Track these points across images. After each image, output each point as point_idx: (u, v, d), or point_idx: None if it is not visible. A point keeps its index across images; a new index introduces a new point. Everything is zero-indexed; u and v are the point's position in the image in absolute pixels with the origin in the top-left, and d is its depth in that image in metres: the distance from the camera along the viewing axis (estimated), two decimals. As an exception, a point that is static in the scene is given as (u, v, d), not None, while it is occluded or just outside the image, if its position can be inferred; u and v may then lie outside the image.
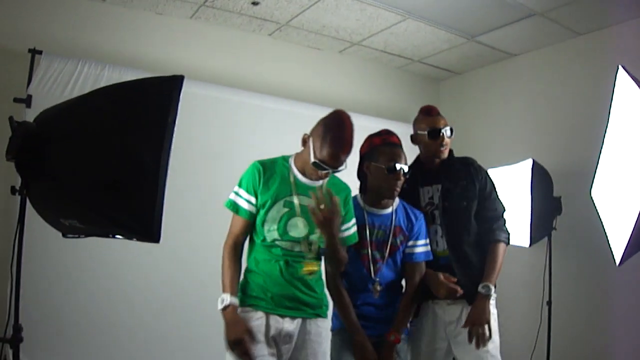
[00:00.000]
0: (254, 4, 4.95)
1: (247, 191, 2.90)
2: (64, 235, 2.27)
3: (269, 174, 2.94)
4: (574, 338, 5.06)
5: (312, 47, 5.94)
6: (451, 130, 3.38)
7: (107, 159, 1.83)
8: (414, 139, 3.48)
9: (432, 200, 3.39)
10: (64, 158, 1.96)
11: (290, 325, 2.92)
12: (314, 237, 2.95)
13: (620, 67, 2.99)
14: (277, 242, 2.91)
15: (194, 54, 5.18)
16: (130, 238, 2.03)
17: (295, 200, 2.94)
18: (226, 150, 4.89)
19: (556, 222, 4.93)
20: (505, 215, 3.41)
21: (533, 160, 4.84)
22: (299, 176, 2.97)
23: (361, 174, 3.31)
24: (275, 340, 2.89)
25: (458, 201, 3.33)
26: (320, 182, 2.97)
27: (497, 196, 3.44)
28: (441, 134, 3.33)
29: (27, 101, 4.17)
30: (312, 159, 2.82)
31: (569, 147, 5.24)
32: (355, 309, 3.19)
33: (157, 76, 2.00)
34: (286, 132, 5.28)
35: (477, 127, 6.26)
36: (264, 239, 2.93)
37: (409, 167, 3.22)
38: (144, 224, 1.83)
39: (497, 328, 3.23)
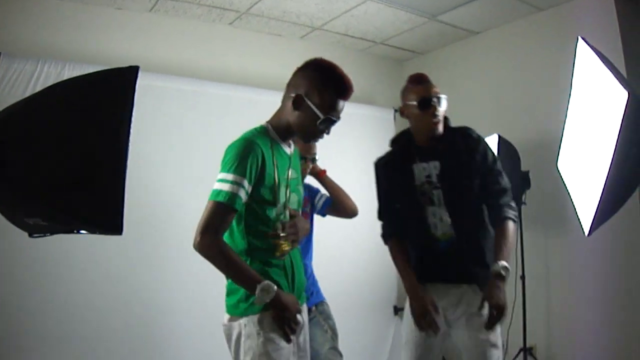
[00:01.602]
0: (212, -7, 4.91)
1: (249, 179, 2.52)
2: (30, 235, 2.24)
3: (266, 152, 2.60)
4: (549, 311, 5.12)
5: (274, 34, 5.93)
6: (444, 99, 3.10)
7: (65, 155, 1.81)
8: (403, 111, 3.21)
9: (429, 179, 3.12)
10: (21, 158, 1.92)
11: (304, 314, 2.81)
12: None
13: (579, 38, 3.00)
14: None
15: (156, 47, 5.13)
16: (93, 232, 2.01)
17: (292, 174, 2.77)
18: (192, 141, 4.86)
19: (525, 197, 4.97)
20: (510, 189, 3.19)
21: (499, 136, 4.87)
22: (283, 147, 2.76)
23: None
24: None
25: (460, 180, 3.08)
26: (290, 149, 2.79)
27: (500, 169, 3.18)
28: (432, 104, 3.05)
29: (-11, 104, 4.11)
30: (322, 116, 2.58)
31: (534, 121, 5.28)
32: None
33: (111, 68, 1.97)
34: (251, 120, 5.28)
35: (443, 106, 6.28)
36: (267, 224, 2.64)
37: (395, 142, 3.31)
38: (106, 217, 1.81)
39: None
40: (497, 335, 3.00)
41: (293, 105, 2.63)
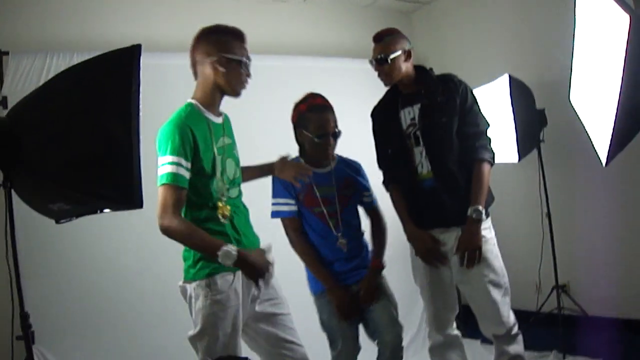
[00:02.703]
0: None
1: (184, 157, 2.65)
2: (57, 222, 2.30)
3: (195, 127, 2.73)
4: (578, 247, 5.12)
5: (278, 0, 5.90)
6: (385, 59, 3.24)
7: (80, 138, 1.86)
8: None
9: (413, 121, 3.30)
10: (39, 145, 1.98)
11: None
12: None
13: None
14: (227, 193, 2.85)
15: (160, 26, 5.13)
16: (115, 209, 2.06)
17: (226, 140, 2.93)
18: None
19: (543, 134, 4.95)
20: (488, 132, 3.33)
21: (510, 76, 4.84)
22: (212, 117, 2.90)
23: (297, 140, 3.45)
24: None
25: (437, 117, 3.24)
26: (221, 118, 2.96)
27: (480, 111, 3.34)
28: (374, 64, 3.32)
29: (3, 103, 4.17)
30: (240, 58, 2.84)
31: (545, 59, 5.22)
32: (331, 266, 3.32)
33: (114, 49, 2.01)
34: (260, 86, 5.29)
35: (453, 52, 6.26)
36: (212, 197, 2.79)
37: (386, 93, 3.47)
38: (125, 193, 1.86)
39: (497, 253, 3.26)
40: (498, 274, 3.21)
41: (218, 65, 2.79)
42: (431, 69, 3.45)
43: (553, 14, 5.05)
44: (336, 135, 3.34)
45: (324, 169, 3.40)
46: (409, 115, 3.32)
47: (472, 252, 3.11)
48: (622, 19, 2.39)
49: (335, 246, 3.32)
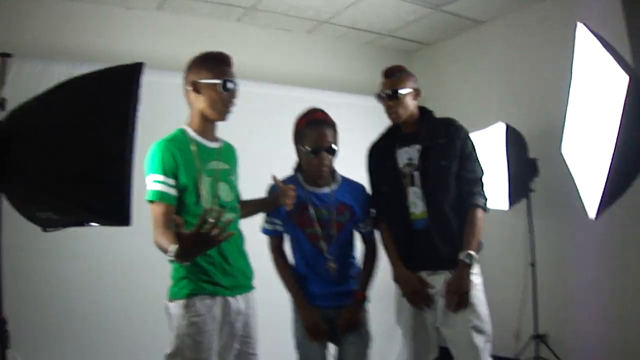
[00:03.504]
0: (219, -11, 4.95)
1: (167, 174, 2.76)
2: (43, 230, 2.29)
3: (179, 148, 2.83)
4: (561, 298, 5.13)
5: (281, 29, 5.96)
6: (396, 94, 3.27)
7: (74, 149, 1.86)
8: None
9: (411, 161, 3.27)
10: (33, 152, 1.98)
11: (242, 303, 2.94)
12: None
13: (579, 23, 3.03)
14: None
15: (164, 45, 5.17)
16: (104, 224, 2.06)
17: (221, 165, 2.97)
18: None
19: (534, 184, 4.99)
20: (484, 179, 3.32)
21: (506, 124, 4.89)
22: (205, 142, 2.96)
23: (298, 157, 3.41)
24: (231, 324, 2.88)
25: (437, 160, 3.22)
26: (217, 144, 3.02)
27: (477, 158, 3.34)
28: (384, 99, 3.32)
29: (2, 105, 4.15)
30: (220, 81, 2.87)
31: (540, 109, 5.28)
32: (315, 286, 3.31)
33: (117, 65, 2.02)
34: (261, 114, 5.33)
35: (451, 95, 6.31)
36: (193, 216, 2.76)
37: (385, 131, 3.48)
38: (115, 209, 1.86)
39: (483, 299, 3.19)
40: (482, 320, 3.12)
41: (194, 91, 2.89)
42: (431, 112, 3.44)
43: (553, 67, 5.11)
44: (332, 151, 3.26)
45: (323, 189, 3.35)
46: (406, 154, 3.31)
47: (460, 296, 3.08)
48: (622, 79, 2.43)
49: (323, 268, 3.28)
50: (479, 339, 3.08)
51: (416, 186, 3.25)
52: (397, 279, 3.31)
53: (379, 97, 3.35)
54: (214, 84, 2.86)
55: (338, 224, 3.33)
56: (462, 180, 3.25)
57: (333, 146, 3.26)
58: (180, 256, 2.50)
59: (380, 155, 3.43)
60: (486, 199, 3.28)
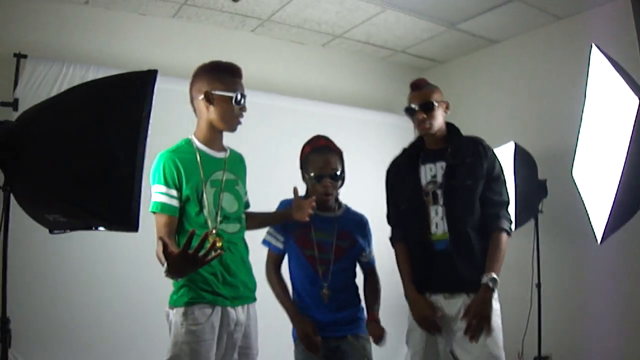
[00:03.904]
0: (235, 0, 4.96)
1: (170, 185, 2.80)
2: (51, 232, 2.31)
3: (182, 159, 2.85)
4: (565, 320, 5.10)
5: (295, 42, 5.98)
6: (428, 104, 3.21)
7: (84, 154, 1.87)
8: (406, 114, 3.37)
9: (434, 179, 3.18)
10: (44, 154, 1.99)
11: (242, 314, 2.93)
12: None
13: (593, 45, 3.03)
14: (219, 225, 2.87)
15: (178, 53, 5.18)
16: (110, 229, 2.07)
17: (226, 176, 2.97)
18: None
19: (542, 205, 4.97)
20: (508, 203, 3.24)
21: (515, 144, 4.88)
22: (210, 152, 2.97)
23: (304, 182, 3.42)
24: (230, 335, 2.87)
25: (463, 179, 3.12)
26: (223, 153, 3.02)
27: (505, 181, 3.27)
28: (416, 111, 3.21)
29: (14, 105, 4.21)
30: (232, 94, 2.88)
31: (551, 130, 5.28)
32: (310, 312, 3.29)
33: (131, 71, 2.03)
34: (273, 126, 5.35)
35: (462, 114, 6.24)
36: (202, 226, 2.82)
37: (409, 146, 3.42)
38: (122, 214, 1.87)
39: (500, 325, 3.08)
40: (499, 347, 3.01)
41: (206, 102, 2.89)
42: (458, 129, 3.39)
43: (565, 88, 5.11)
44: (335, 177, 3.29)
45: (326, 214, 3.37)
46: (430, 172, 3.22)
47: (480, 320, 2.95)
48: (631, 101, 2.42)
49: (319, 294, 3.27)
50: None
51: (438, 205, 3.14)
52: (409, 302, 3.23)
53: (409, 110, 3.26)
54: (228, 97, 2.87)
55: (338, 249, 3.33)
56: (487, 203, 3.16)
57: (337, 172, 3.29)
58: (171, 273, 2.50)
59: (403, 170, 3.35)
60: (511, 223, 3.22)
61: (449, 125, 3.36)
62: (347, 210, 3.48)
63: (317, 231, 3.31)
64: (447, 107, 3.31)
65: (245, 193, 3.14)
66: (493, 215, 3.15)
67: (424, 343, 3.16)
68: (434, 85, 3.32)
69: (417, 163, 3.27)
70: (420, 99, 3.22)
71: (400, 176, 3.34)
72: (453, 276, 3.07)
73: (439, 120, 3.25)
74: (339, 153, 3.37)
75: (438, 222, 3.13)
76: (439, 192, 3.15)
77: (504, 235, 3.13)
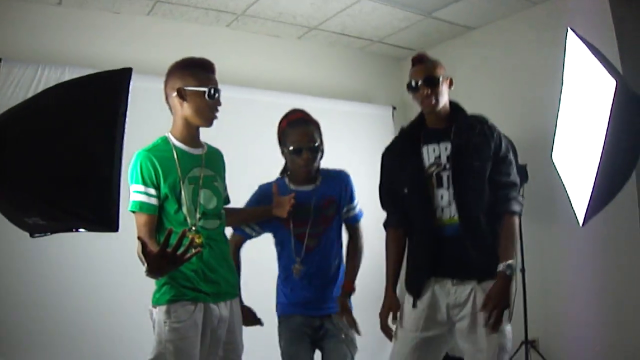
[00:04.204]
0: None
1: (148, 184, 2.81)
2: (31, 235, 2.29)
3: (158, 157, 2.86)
4: (550, 304, 5.14)
5: (271, 35, 5.98)
6: (433, 79, 3.03)
7: (60, 155, 1.85)
8: (408, 91, 3.15)
9: (438, 161, 2.99)
10: (21, 158, 1.97)
11: (225, 310, 2.93)
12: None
13: (569, 29, 3.03)
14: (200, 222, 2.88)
15: (154, 50, 5.16)
16: (91, 230, 2.05)
17: (204, 172, 2.97)
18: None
19: (523, 190, 4.99)
20: (518, 184, 3.12)
21: (495, 130, 4.89)
22: (187, 149, 2.97)
23: (283, 157, 3.42)
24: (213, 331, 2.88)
25: (471, 161, 2.95)
26: (201, 150, 3.02)
27: (512, 162, 3.10)
28: (420, 86, 3.02)
29: (-10, 110, 4.17)
30: (205, 88, 2.86)
31: (530, 115, 5.32)
32: (295, 291, 3.33)
33: (105, 70, 2.01)
34: (252, 120, 5.33)
35: (441, 102, 6.32)
36: (181, 224, 2.83)
37: (408, 127, 3.21)
38: (102, 215, 1.86)
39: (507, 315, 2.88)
40: (509, 339, 2.85)
41: (180, 98, 2.88)
42: (462, 108, 3.23)
43: (543, 73, 5.12)
44: (314, 149, 3.28)
45: (306, 187, 3.36)
46: (433, 153, 3.02)
47: (500, 311, 2.78)
48: (609, 84, 2.42)
49: (300, 271, 3.30)
50: (503, 357, 2.82)
51: (443, 188, 2.97)
52: (386, 297, 3.14)
53: (412, 87, 3.05)
54: (201, 92, 2.87)
55: (324, 219, 3.34)
56: (496, 185, 3.01)
57: (315, 144, 3.27)
58: (151, 273, 2.53)
59: (402, 153, 3.15)
60: (522, 205, 3.09)
61: (452, 103, 3.19)
62: (324, 174, 3.44)
63: (300, 206, 3.29)
64: (450, 83, 3.15)
65: (225, 189, 3.15)
66: (503, 198, 3.01)
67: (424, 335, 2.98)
68: (436, 60, 3.15)
69: (417, 144, 3.07)
70: (424, 74, 3.04)
71: (399, 158, 3.14)
72: (463, 262, 2.90)
73: (445, 96, 3.08)
74: (316, 125, 3.36)
75: (444, 206, 2.96)
76: (444, 174, 2.97)
77: (516, 219, 3.01)
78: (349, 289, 3.33)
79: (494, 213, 2.99)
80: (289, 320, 3.31)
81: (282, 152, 3.39)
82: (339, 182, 3.41)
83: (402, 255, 3.20)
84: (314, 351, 3.33)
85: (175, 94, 2.89)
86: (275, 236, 3.42)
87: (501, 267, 2.84)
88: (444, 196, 2.96)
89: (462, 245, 2.90)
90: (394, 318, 3.09)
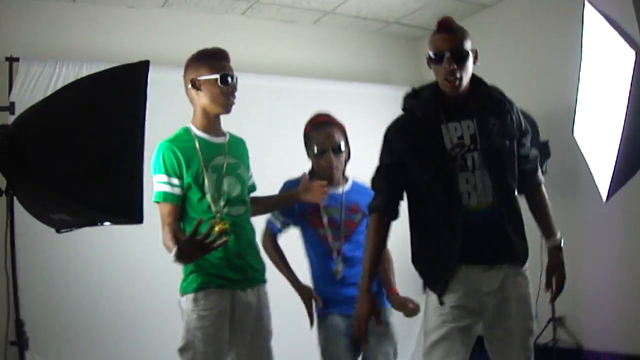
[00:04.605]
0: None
1: (171, 174, 2.85)
2: (57, 231, 2.32)
3: (181, 147, 2.90)
4: (576, 280, 5.06)
5: (287, 21, 5.96)
6: (462, 52, 2.61)
7: (83, 150, 1.87)
8: (427, 62, 2.73)
9: (461, 141, 2.63)
10: (45, 155, 1.99)
11: (252, 296, 2.95)
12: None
13: (586, 1, 3.00)
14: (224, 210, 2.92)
15: (169, 42, 5.17)
16: (116, 223, 2.08)
17: (228, 160, 3.00)
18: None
19: (546, 166, 4.95)
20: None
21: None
22: (209, 137, 3.00)
23: (310, 158, 3.41)
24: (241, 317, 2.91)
25: (502, 140, 2.65)
26: (223, 138, 3.05)
27: (530, 132, 2.89)
28: (445, 59, 2.58)
29: (11, 109, 4.22)
30: (217, 75, 2.89)
31: (550, 91, 5.26)
32: (323, 290, 3.30)
33: (123, 64, 2.03)
34: (271, 107, 5.33)
35: (460, 81, 6.28)
36: (206, 212, 2.86)
37: (422, 102, 2.72)
38: (127, 207, 1.88)
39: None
40: (533, 318, 2.73)
41: (194, 89, 2.94)
42: (481, 79, 2.86)
43: (561, 47, 5.07)
44: (338, 150, 3.28)
45: (334, 190, 3.34)
46: (455, 132, 2.65)
47: (563, 283, 2.80)
48: (628, 56, 2.41)
49: (333, 272, 3.27)
50: (531, 341, 2.70)
51: (469, 171, 2.62)
52: (362, 297, 2.78)
53: (434, 58, 2.63)
54: (213, 79, 2.90)
55: (349, 223, 3.33)
56: (523, 161, 2.78)
57: (339, 146, 3.28)
58: (180, 258, 2.59)
59: (417, 132, 2.70)
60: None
61: (474, 78, 2.78)
62: (355, 183, 3.46)
63: (326, 209, 3.30)
64: (476, 57, 2.75)
65: (250, 177, 3.18)
66: (531, 171, 2.84)
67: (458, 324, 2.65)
68: (464, 29, 2.73)
69: (436, 122, 2.66)
70: (452, 44, 2.60)
71: (414, 139, 2.70)
72: (497, 244, 2.63)
73: (469, 73, 2.69)
74: (340, 127, 3.36)
75: (470, 191, 2.61)
76: (469, 156, 2.62)
77: (544, 189, 2.90)
78: (395, 291, 3.30)
79: (520, 190, 2.78)
80: (328, 319, 3.30)
81: (309, 156, 3.39)
82: (369, 193, 3.04)
83: (385, 247, 2.96)
84: (356, 349, 3.31)
85: (190, 85, 2.94)
86: (304, 240, 3.42)
87: (554, 242, 2.86)
88: (470, 180, 2.61)
89: (498, 230, 2.62)
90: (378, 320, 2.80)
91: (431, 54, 2.63)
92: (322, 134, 3.29)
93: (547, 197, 2.88)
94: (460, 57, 2.59)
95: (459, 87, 2.62)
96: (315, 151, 3.28)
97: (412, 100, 2.79)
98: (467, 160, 2.62)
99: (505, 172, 2.66)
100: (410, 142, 2.70)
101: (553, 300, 2.83)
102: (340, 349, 3.23)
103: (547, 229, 2.85)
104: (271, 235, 3.44)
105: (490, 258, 2.63)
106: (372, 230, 2.79)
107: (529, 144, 2.85)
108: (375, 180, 2.84)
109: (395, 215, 2.80)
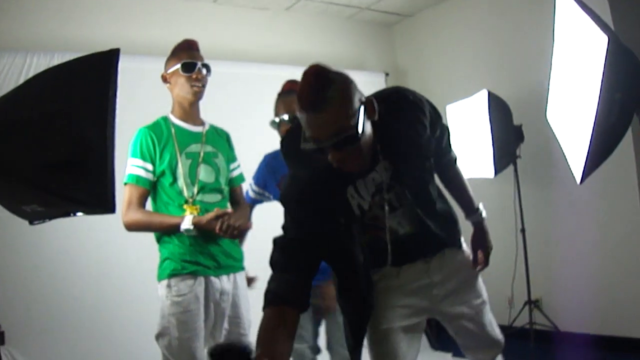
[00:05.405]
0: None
1: (145, 158, 2.96)
2: (30, 223, 2.29)
3: (157, 134, 3.01)
4: (551, 262, 5.16)
5: (259, 8, 5.92)
6: (342, 139, 1.97)
7: (55, 141, 1.85)
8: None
9: (380, 187, 2.28)
10: (13, 146, 1.96)
11: (227, 284, 3.01)
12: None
13: (557, -15, 3.01)
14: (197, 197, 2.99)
15: (141, 29, 5.13)
16: (88, 213, 2.06)
17: (204, 148, 3.09)
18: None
19: (519, 150, 4.99)
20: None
21: (488, 92, 4.88)
22: (186, 126, 3.10)
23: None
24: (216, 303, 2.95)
25: (412, 171, 2.31)
26: (201, 128, 3.13)
27: (439, 118, 2.44)
28: (324, 149, 2.01)
29: (-20, 100, 4.15)
30: (179, 62, 3.00)
31: (523, 75, 5.29)
32: None
33: (91, 53, 2.00)
34: (244, 94, 5.31)
35: (433, 66, 6.31)
36: (178, 197, 2.97)
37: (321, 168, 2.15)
38: (99, 197, 1.86)
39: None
40: (483, 288, 2.63)
41: (166, 83, 3.09)
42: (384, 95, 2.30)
43: (533, 32, 5.10)
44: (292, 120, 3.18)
45: None
46: (371, 184, 2.28)
47: (489, 252, 2.69)
48: (601, 40, 2.41)
49: None
50: (488, 311, 2.64)
51: (398, 209, 2.34)
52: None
53: (309, 144, 2.01)
54: (176, 70, 3.01)
55: None
56: (439, 152, 2.53)
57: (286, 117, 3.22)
58: (197, 225, 2.81)
59: (326, 196, 2.21)
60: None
61: (369, 101, 2.13)
62: None
63: None
64: (372, 111, 2.11)
65: (236, 168, 3.27)
66: (445, 151, 2.59)
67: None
68: (342, 91, 2.05)
69: (339, 186, 2.25)
70: (325, 131, 1.97)
71: (324, 201, 2.21)
72: (431, 244, 2.46)
73: (367, 145, 2.12)
74: None
75: (397, 228, 2.37)
76: (388, 197, 2.31)
77: (458, 165, 2.69)
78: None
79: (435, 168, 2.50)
80: None
81: (280, 125, 3.24)
82: None
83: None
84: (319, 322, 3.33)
85: (163, 81, 3.09)
86: None
87: (474, 217, 2.70)
88: (397, 215, 2.35)
89: (423, 238, 2.40)
90: None
91: (305, 140, 2.02)
92: (291, 101, 3.09)
93: (461, 171, 2.69)
94: (350, 144, 1.99)
95: (363, 165, 2.18)
96: (285, 118, 3.18)
97: (297, 159, 2.23)
98: (392, 201, 2.32)
99: (420, 202, 2.34)
100: (318, 201, 2.19)
101: (481, 270, 2.62)
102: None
103: (467, 206, 2.69)
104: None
105: (427, 252, 2.45)
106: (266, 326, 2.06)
107: (440, 131, 2.47)
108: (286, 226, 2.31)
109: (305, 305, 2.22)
